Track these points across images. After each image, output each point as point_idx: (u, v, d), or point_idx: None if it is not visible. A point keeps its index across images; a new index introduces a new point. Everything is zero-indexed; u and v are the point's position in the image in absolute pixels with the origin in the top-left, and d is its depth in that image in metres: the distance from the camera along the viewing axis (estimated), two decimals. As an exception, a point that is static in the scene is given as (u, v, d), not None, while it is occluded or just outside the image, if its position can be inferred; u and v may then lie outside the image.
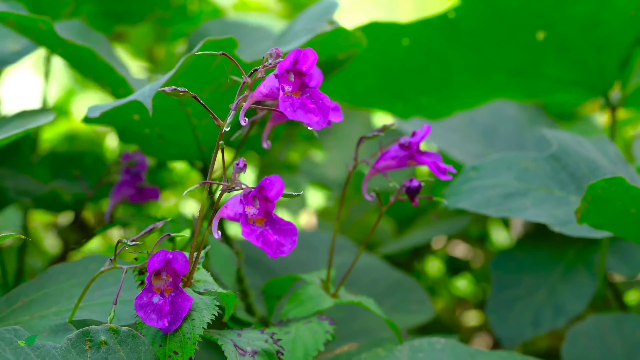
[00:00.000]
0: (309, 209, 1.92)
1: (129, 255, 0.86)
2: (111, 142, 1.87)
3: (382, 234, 1.75)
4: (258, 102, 0.83)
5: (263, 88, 0.80)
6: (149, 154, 1.24)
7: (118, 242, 0.82)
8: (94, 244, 1.81)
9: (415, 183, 0.95)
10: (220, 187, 0.80)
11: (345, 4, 1.88)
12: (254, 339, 0.84)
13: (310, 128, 0.78)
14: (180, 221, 1.06)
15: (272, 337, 0.85)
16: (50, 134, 1.88)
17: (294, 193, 0.80)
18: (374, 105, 1.50)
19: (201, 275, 0.85)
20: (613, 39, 1.32)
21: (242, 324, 1.03)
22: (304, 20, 1.20)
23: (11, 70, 1.99)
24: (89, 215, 1.70)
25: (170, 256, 0.79)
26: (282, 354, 0.85)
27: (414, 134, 0.97)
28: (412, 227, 1.72)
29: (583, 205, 0.96)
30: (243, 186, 0.79)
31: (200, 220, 0.83)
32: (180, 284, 0.81)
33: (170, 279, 0.80)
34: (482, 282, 1.87)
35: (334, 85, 1.37)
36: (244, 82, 0.79)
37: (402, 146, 0.97)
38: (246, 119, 0.78)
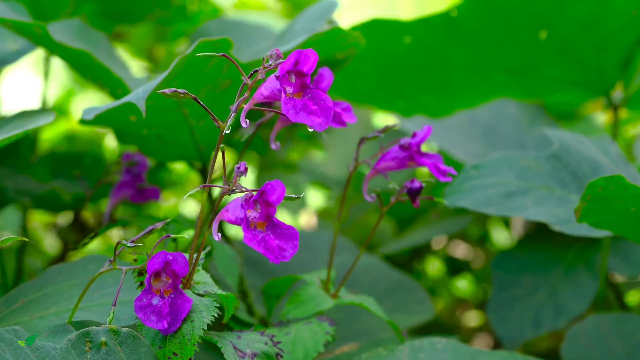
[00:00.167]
0: (309, 209, 1.92)
1: (129, 255, 0.86)
2: (111, 142, 1.87)
3: (382, 234, 1.75)
4: (259, 104, 0.82)
5: (264, 90, 0.79)
6: (147, 155, 1.24)
7: (117, 243, 0.82)
8: (94, 244, 1.81)
9: (416, 184, 0.95)
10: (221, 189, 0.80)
11: (345, 4, 1.88)
12: (253, 341, 0.84)
13: (313, 129, 0.78)
14: (180, 222, 1.05)
15: (271, 340, 0.85)
16: (50, 134, 1.87)
17: (294, 195, 0.80)
18: (375, 104, 1.50)
19: (201, 276, 0.85)
20: (613, 39, 1.31)
21: (243, 325, 1.03)
22: (304, 19, 1.20)
23: (11, 70, 1.99)
24: (88, 215, 1.70)
25: (170, 257, 0.79)
26: (282, 356, 0.84)
27: (414, 135, 0.97)
28: (412, 227, 1.71)
29: (582, 203, 0.96)
30: (244, 189, 0.78)
31: (200, 222, 0.83)
32: (180, 286, 0.81)
33: (170, 281, 0.80)
34: (482, 283, 1.87)
35: (335, 83, 1.37)
36: (244, 84, 0.79)
37: (402, 147, 0.97)
38: (247, 120, 0.78)
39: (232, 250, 1.08)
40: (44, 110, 1.12)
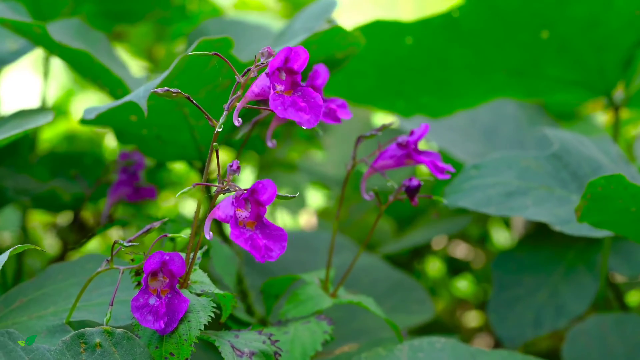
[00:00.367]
0: (309, 209, 1.92)
1: (127, 255, 0.85)
2: (110, 142, 1.87)
3: (383, 234, 1.75)
4: (254, 102, 0.82)
5: (255, 87, 0.79)
6: (147, 155, 1.24)
7: (114, 242, 0.81)
8: (93, 244, 1.81)
9: (414, 182, 0.95)
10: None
11: (345, 4, 1.88)
12: (251, 340, 0.84)
13: (302, 127, 0.78)
14: (178, 222, 1.05)
15: (269, 338, 0.85)
16: (50, 134, 1.87)
17: (289, 195, 0.80)
18: (375, 104, 1.50)
19: (198, 276, 0.85)
20: (614, 39, 1.31)
21: (242, 324, 1.03)
22: (303, 19, 1.20)
23: (10, 70, 1.99)
24: (88, 215, 1.70)
25: (167, 257, 0.79)
26: (280, 355, 0.84)
27: (411, 133, 0.96)
28: (412, 227, 1.71)
29: (583, 203, 0.95)
30: (236, 188, 0.78)
31: (196, 222, 0.82)
32: (177, 286, 0.81)
33: (167, 280, 0.80)
34: (482, 283, 1.87)
35: (335, 83, 1.37)
36: (238, 82, 0.79)
37: (400, 145, 0.97)
38: (239, 119, 0.78)
39: (230, 250, 1.08)
40: (42, 109, 1.12)
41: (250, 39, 1.33)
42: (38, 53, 1.62)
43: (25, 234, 1.46)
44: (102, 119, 1.03)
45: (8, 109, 1.65)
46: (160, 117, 1.08)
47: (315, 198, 1.95)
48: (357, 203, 1.75)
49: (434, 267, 1.92)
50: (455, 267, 1.88)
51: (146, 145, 1.19)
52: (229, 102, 0.79)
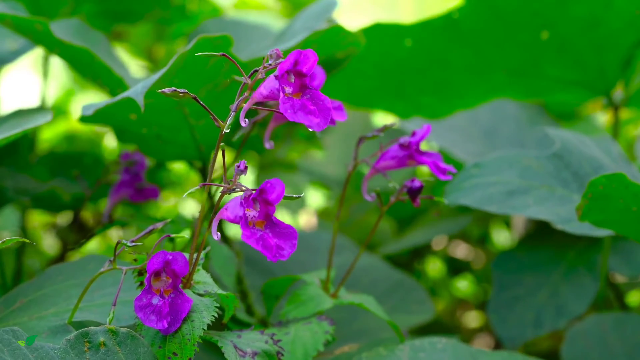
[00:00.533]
0: (309, 209, 1.92)
1: (129, 255, 0.85)
2: (110, 142, 1.87)
3: (383, 234, 1.74)
4: (259, 103, 0.82)
5: (263, 89, 0.79)
6: (147, 154, 1.24)
7: (117, 242, 0.81)
8: (93, 244, 1.80)
9: (417, 183, 0.95)
10: (221, 188, 0.79)
11: (345, 4, 1.88)
12: (254, 340, 0.84)
13: (310, 130, 0.78)
14: (180, 222, 1.05)
15: (272, 338, 0.85)
16: (49, 134, 1.87)
17: (294, 195, 0.80)
18: (375, 105, 1.50)
19: (201, 276, 0.85)
20: (614, 39, 1.31)
21: (242, 325, 1.03)
22: (303, 18, 1.19)
23: (10, 70, 1.98)
24: (88, 215, 1.70)
25: (170, 257, 0.79)
26: (283, 354, 0.84)
27: (413, 134, 0.96)
28: (412, 227, 1.71)
29: (584, 201, 0.95)
30: (243, 188, 0.78)
31: (200, 222, 0.82)
32: (180, 285, 0.81)
33: (170, 280, 0.80)
34: (483, 283, 1.87)
35: (335, 85, 1.37)
36: (244, 83, 0.79)
37: (401, 146, 0.97)
38: (247, 120, 0.78)
39: (230, 250, 1.08)
40: (41, 109, 1.12)
41: (250, 38, 1.33)
42: (38, 53, 1.62)
43: (25, 234, 1.46)
44: (101, 117, 1.03)
45: (7, 109, 1.65)
46: (160, 116, 1.08)
47: (315, 198, 1.95)
48: (358, 203, 1.75)
49: (434, 267, 1.92)
50: (456, 267, 1.88)
51: (146, 145, 1.19)
52: (235, 103, 0.79)
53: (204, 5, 1.64)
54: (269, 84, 0.79)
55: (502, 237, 1.91)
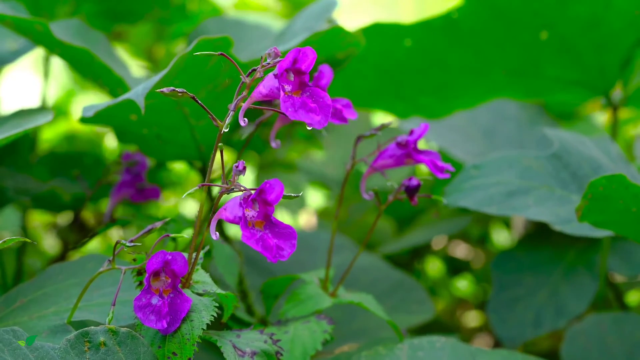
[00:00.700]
0: (308, 209, 1.92)
1: (128, 255, 0.85)
2: (110, 142, 1.87)
3: (382, 234, 1.75)
4: (258, 103, 0.82)
5: (262, 88, 0.79)
6: (147, 154, 1.24)
7: (116, 242, 0.81)
8: (93, 244, 1.80)
9: (414, 182, 0.95)
10: (220, 188, 0.79)
11: (346, 4, 1.88)
12: (253, 339, 0.84)
13: (310, 128, 0.78)
14: (179, 221, 1.05)
15: (271, 338, 0.85)
16: (50, 134, 1.87)
17: (293, 194, 0.80)
18: (374, 106, 1.50)
19: (200, 276, 0.85)
20: (614, 39, 1.31)
21: (242, 324, 1.03)
22: (303, 19, 1.20)
23: (10, 70, 1.98)
24: (88, 215, 1.70)
25: (169, 257, 0.79)
26: (282, 354, 0.84)
27: (411, 133, 0.96)
28: (412, 227, 1.71)
29: (584, 202, 0.95)
30: (242, 188, 0.78)
31: (199, 222, 0.83)
32: (179, 285, 0.81)
33: (169, 280, 0.80)
34: (482, 283, 1.87)
35: (334, 85, 1.37)
36: (243, 82, 0.79)
37: (399, 145, 0.97)
38: (245, 119, 0.78)
39: (232, 249, 1.08)
40: (42, 109, 1.12)
41: (250, 38, 1.33)
42: (38, 53, 1.62)
43: (25, 234, 1.46)
44: (102, 118, 1.03)
45: (8, 109, 1.65)
46: (161, 117, 1.08)
47: (315, 198, 1.95)
48: (357, 203, 1.75)
49: (434, 267, 1.93)
50: (455, 267, 1.88)
51: (146, 145, 1.19)
52: (234, 102, 0.79)
53: (204, 5, 1.64)
54: (268, 83, 0.79)
55: (501, 237, 1.91)
